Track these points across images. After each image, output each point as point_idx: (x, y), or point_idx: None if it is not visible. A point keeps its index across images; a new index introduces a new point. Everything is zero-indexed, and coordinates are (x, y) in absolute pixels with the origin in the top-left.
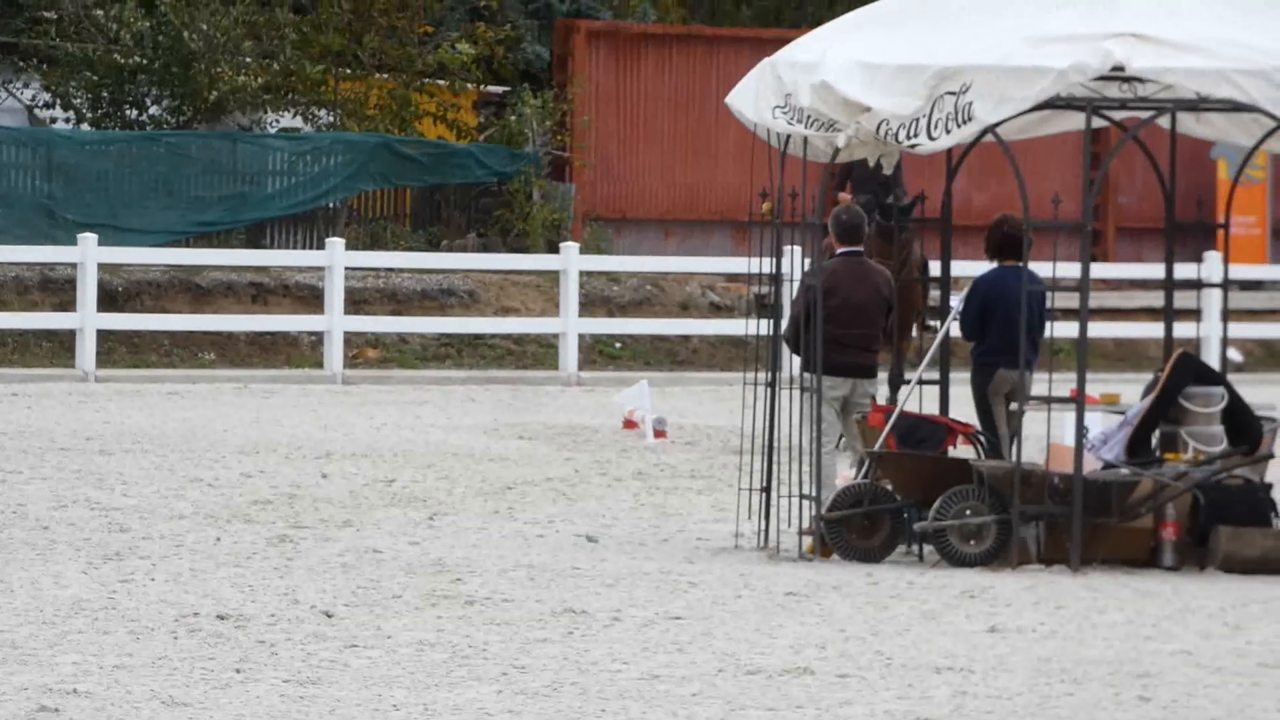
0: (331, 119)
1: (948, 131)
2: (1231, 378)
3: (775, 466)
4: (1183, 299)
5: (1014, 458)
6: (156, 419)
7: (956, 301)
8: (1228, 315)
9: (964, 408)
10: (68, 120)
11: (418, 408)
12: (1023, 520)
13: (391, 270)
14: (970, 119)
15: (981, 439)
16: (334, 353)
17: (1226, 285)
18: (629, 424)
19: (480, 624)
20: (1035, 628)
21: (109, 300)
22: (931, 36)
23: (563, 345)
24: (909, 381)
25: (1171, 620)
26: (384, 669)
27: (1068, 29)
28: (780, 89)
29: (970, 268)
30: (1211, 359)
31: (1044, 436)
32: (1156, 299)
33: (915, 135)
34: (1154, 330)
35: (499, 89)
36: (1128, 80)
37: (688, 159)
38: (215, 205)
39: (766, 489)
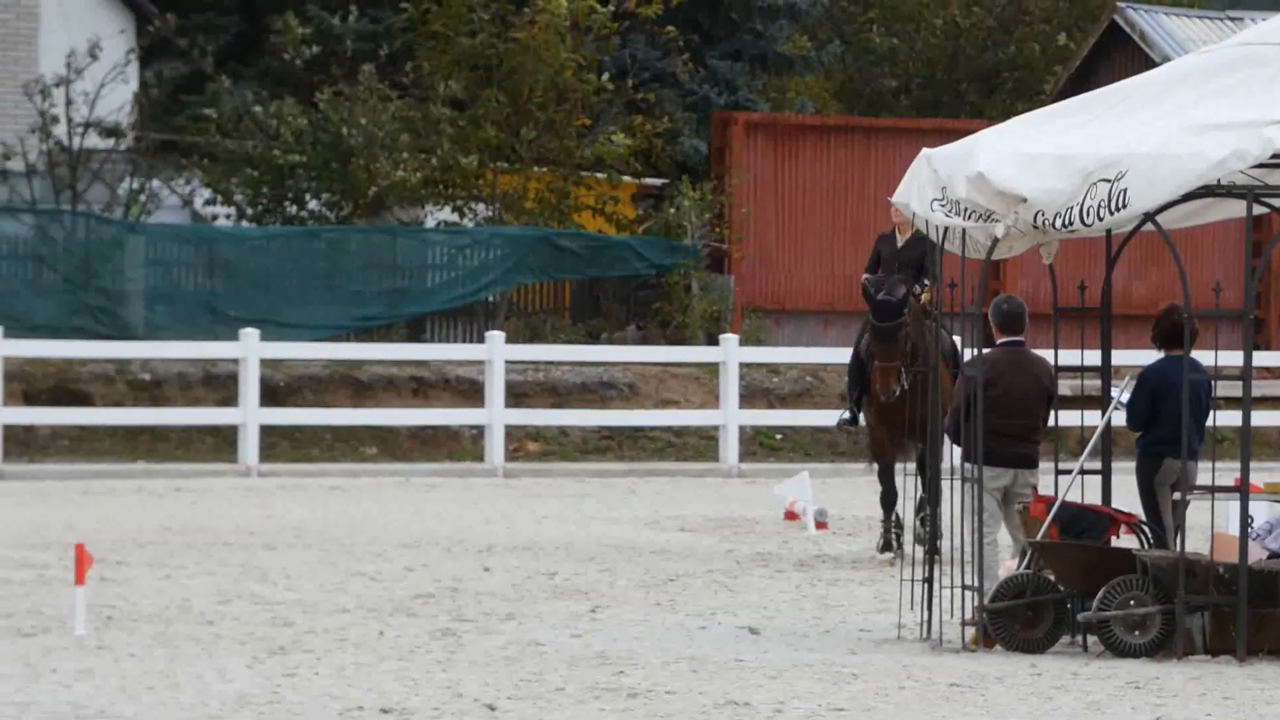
0: (490, 213)
1: (1100, 218)
2: None
3: (938, 557)
4: None
5: (1178, 547)
6: (319, 513)
7: (1116, 391)
8: None
9: (1126, 498)
10: (229, 217)
11: (579, 500)
12: (1188, 610)
13: (551, 363)
14: (1125, 205)
15: (1145, 529)
16: (495, 446)
17: None
18: (790, 515)
19: (643, 717)
20: (1201, 719)
21: (271, 395)
22: (1089, 129)
23: (723, 437)
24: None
25: None
26: None
27: (1227, 116)
28: (936, 181)
29: (1129, 357)
30: None
31: (1208, 526)
32: None
33: (1070, 223)
34: None
35: (657, 181)
36: None
37: (846, 249)
38: (375, 300)
39: (929, 580)
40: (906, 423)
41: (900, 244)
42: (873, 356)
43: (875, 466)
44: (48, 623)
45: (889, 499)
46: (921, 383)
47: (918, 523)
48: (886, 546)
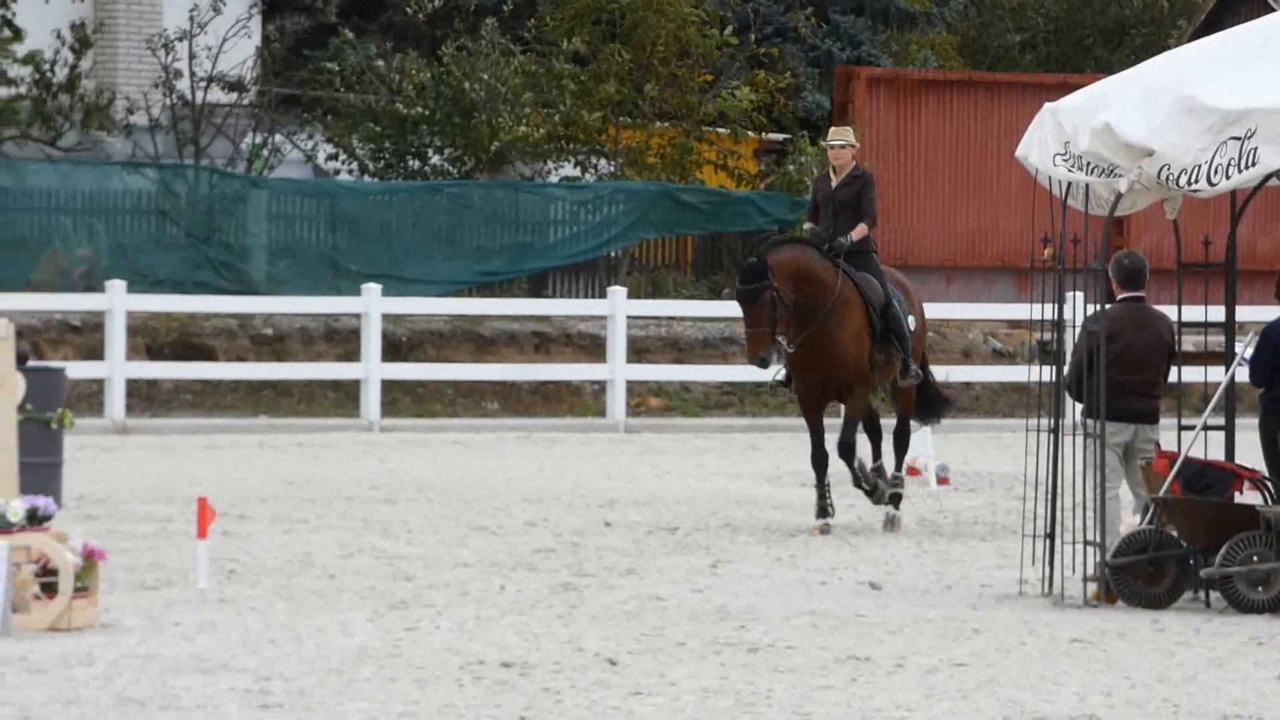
0: (612, 168)
1: (1228, 177)
2: None
3: (1059, 513)
4: None
5: None
6: (440, 468)
7: (1240, 347)
8: None
9: (1249, 454)
10: (351, 171)
11: (700, 455)
12: None
13: (673, 318)
14: (1255, 163)
15: (1269, 485)
16: (616, 401)
17: None
18: (912, 471)
19: (764, 671)
20: None
21: (393, 350)
22: (1219, 82)
23: None
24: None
25: None
26: (668, 716)
27: None
28: (1060, 135)
29: (1253, 313)
30: None
31: None
32: None
33: (1196, 181)
34: None
35: (779, 136)
36: None
37: (968, 205)
38: (497, 255)
39: (1050, 535)
40: (823, 381)
41: (834, 184)
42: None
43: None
44: (171, 576)
45: (819, 460)
46: (826, 339)
47: (872, 472)
48: (821, 513)
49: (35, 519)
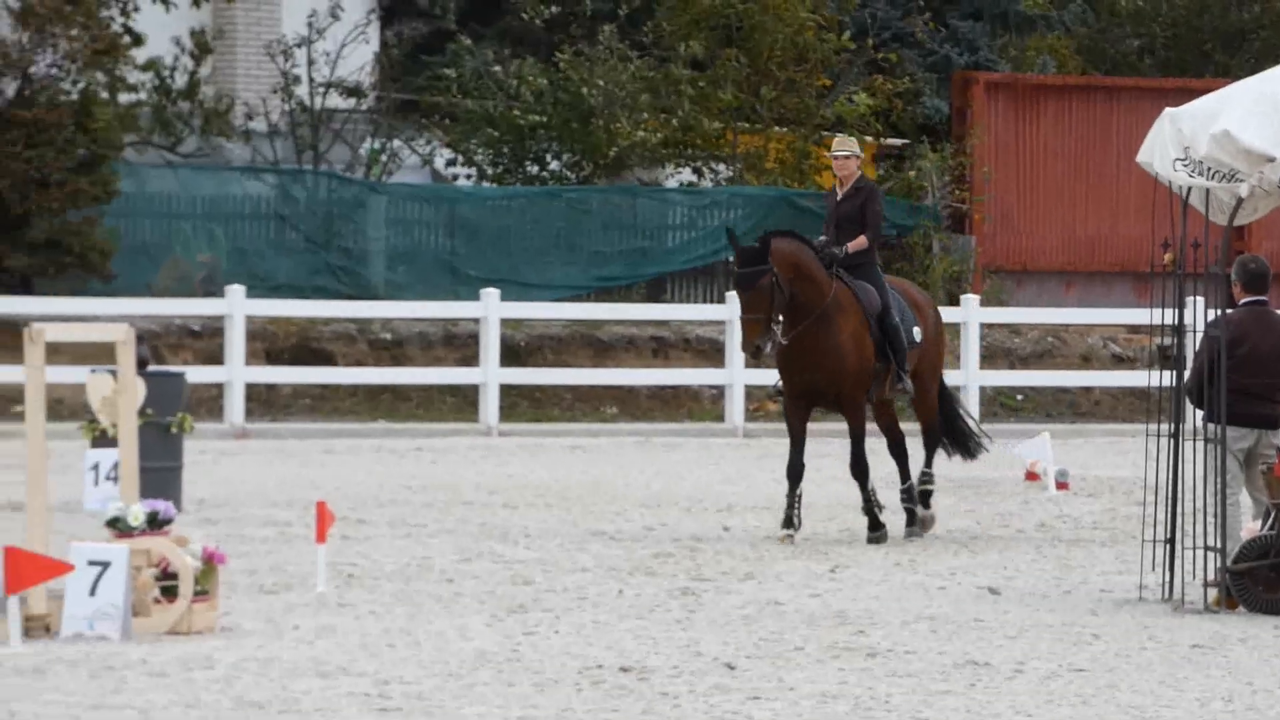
0: (730, 173)
1: None
2: None
3: (1179, 518)
4: None
5: None
6: (559, 473)
7: None
8: None
9: None
10: (469, 177)
11: (819, 460)
12: None
13: None
14: None
15: None
16: (735, 406)
17: None
18: (1031, 476)
19: (883, 676)
20: None
21: (511, 355)
22: None
23: (964, 398)
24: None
25: None
26: None
27: None
28: (1179, 141)
29: None
30: None
31: None
32: None
33: None
34: None
35: (898, 142)
36: None
37: (1087, 210)
38: (615, 260)
39: (1170, 541)
40: (812, 384)
41: (839, 197)
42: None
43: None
44: (290, 580)
45: (794, 470)
46: (819, 341)
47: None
48: (787, 523)
49: (155, 523)
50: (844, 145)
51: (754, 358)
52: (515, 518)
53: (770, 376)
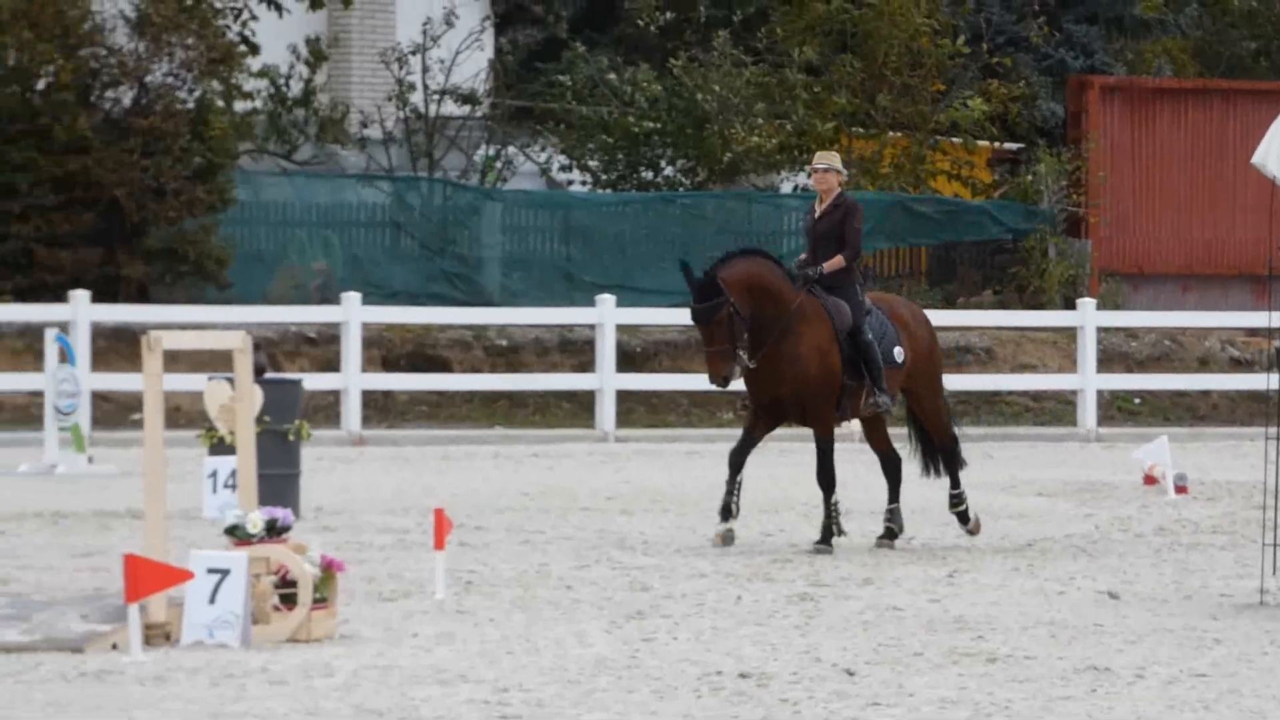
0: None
1: None
2: None
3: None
4: None
5: None
6: (675, 478)
7: None
8: None
9: None
10: (584, 183)
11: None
12: None
13: None
14: None
15: None
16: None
17: None
18: (1149, 480)
19: (1002, 681)
20: None
21: (627, 360)
22: None
23: (1081, 401)
24: None
25: None
26: None
27: None
28: None
29: None
30: None
31: None
32: None
33: None
34: None
35: (1013, 146)
36: None
37: (1204, 213)
38: None
39: None
40: (778, 402)
41: (817, 214)
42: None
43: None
44: (408, 587)
45: (736, 458)
46: (783, 355)
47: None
48: (725, 512)
49: (274, 530)
50: (823, 159)
51: (722, 387)
52: (632, 524)
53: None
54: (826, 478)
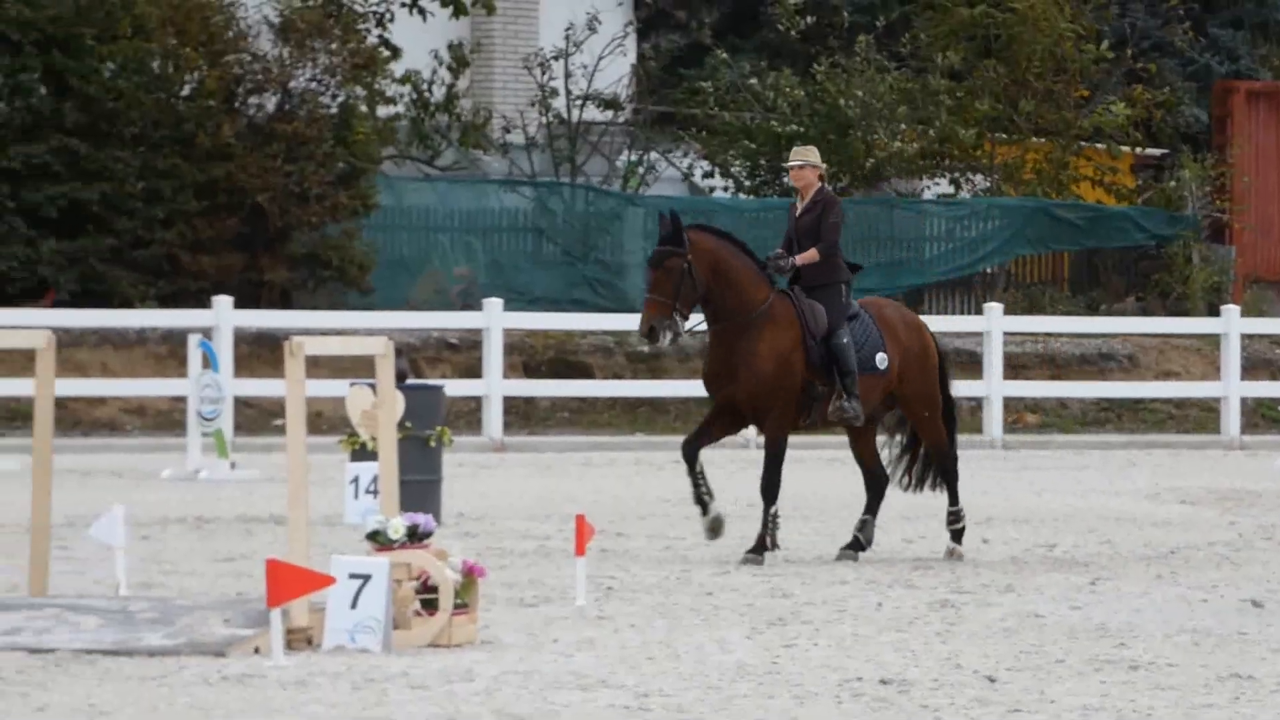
0: (987, 184)
1: None
2: None
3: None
4: None
5: None
6: (817, 486)
7: None
8: None
9: None
10: (726, 188)
11: (1077, 472)
12: None
13: (1049, 335)
14: None
15: None
16: (993, 417)
17: None
18: None
19: (1145, 689)
20: None
21: None
22: None
23: (1224, 409)
24: None
25: None
26: None
27: None
28: None
29: None
30: None
31: None
32: None
33: None
34: None
35: (1157, 151)
36: None
37: None
38: (872, 271)
39: None
40: (731, 403)
41: (798, 212)
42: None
43: None
44: (549, 593)
45: (689, 449)
46: (739, 352)
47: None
48: (701, 505)
49: (415, 536)
50: (800, 154)
51: (650, 343)
52: None
53: (1029, 389)
54: (769, 486)
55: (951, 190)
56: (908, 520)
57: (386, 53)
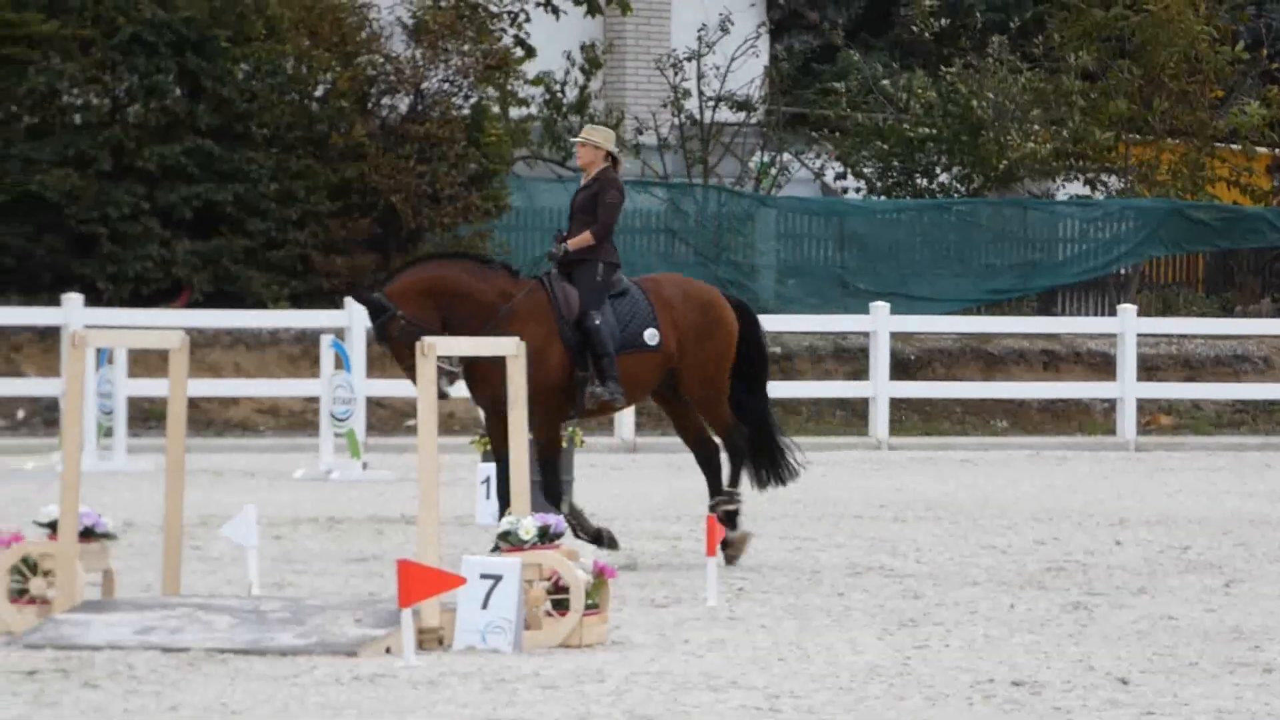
0: (1121, 185)
1: None
2: None
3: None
4: None
5: None
6: (948, 486)
7: None
8: None
9: None
10: (858, 190)
11: (1211, 474)
12: None
13: (1184, 336)
14: None
15: None
16: (1127, 420)
17: None
18: None
19: (1279, 692)
20: None
21: (901, 368)
22: None
23: None
24: None
25: None
26: None
27: None
28: None
29: None
30: None
31: None
32: None
33: None
34: None
35: None
36: None
37: None
38: (1005, 273)
39: None
40: (494, 400)
41: (579, 189)
42: None
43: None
44: (680, 594)
45: (501, 491)
46: (493, 364)
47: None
48: (595, 539)
49: (546, 536)
50: (586, 133)
51: (441, 399)
52: (905, 531)
53: (1163, 391)
54: (549, 489)
55: (1085, 191)
56: (1039, 521)
57: (520, 53)
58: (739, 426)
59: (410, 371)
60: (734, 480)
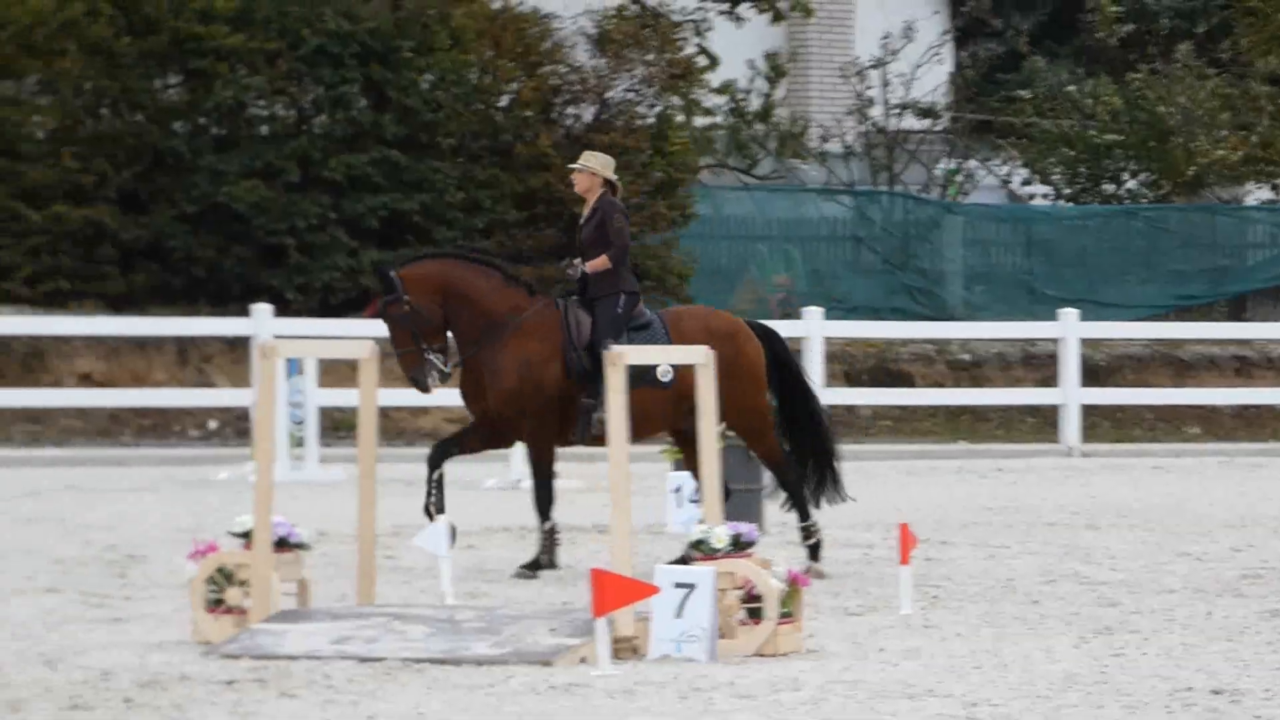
0: None
1: None
2: None
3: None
4: None
5: None
6: (1141, 493)
7: None
8: None
9: None
10: (1045, 196)
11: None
12: None
13: None
14: None
15: None
16: None
17: None
18: None
19: None
20: None
21: (1091, 375)
22: None
23: None
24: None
25: None
26: None
27: None
28: None
29: None
30: None
31: None
32: None
33: None
34: None
35: None
36: None
37: None
38: (1195, 279)
39: None
40: (486, 419)
41: (582, 221)
42: None
43: None
44: (874, 602)
45: (434, 459)
46: (489, 367)
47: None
48: (426, 512)
49: (738, 545)
50: (583, 159)
51: (422, 391)
52: (1098, 538)
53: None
54: (539, 502)
55: (1275, 197)
56: (1233, 528)
57: (704, 62)
58: (789, 461)
59: (401, 357)
60: (803, 515)
